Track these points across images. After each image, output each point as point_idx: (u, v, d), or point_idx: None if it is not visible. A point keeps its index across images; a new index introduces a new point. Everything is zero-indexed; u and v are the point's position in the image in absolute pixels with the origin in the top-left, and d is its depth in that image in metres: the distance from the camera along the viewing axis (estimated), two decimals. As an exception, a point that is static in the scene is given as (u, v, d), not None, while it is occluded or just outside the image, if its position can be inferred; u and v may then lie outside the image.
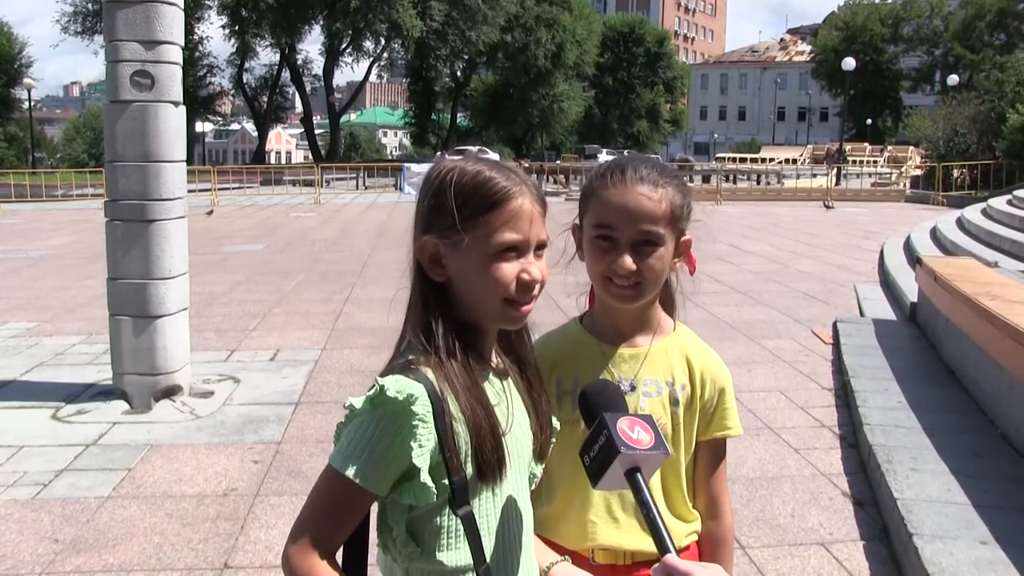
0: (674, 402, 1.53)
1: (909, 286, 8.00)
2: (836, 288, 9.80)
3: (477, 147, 42.66)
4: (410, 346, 1.25)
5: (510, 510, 1.29)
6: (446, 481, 1.19)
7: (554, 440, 1.39)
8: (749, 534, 3.63)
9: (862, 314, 8.10)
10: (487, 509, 1.25)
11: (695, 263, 1.57)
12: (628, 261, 1.42)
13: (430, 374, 1.20)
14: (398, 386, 1.17)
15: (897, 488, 3.67)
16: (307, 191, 28.44)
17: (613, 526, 1.51)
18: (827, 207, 24.05)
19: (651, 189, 1.44)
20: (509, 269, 1.23)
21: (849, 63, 39.21)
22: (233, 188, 29.00)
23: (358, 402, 1.18)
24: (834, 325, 7.31)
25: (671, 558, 1.06)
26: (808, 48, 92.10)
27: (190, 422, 5.10)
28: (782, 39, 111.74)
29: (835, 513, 3.86)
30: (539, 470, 1.38)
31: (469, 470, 1.21)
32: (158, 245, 5.31)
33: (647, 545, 1.47)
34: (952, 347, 5.74)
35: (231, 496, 4.04)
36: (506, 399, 1.29)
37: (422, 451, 1.16)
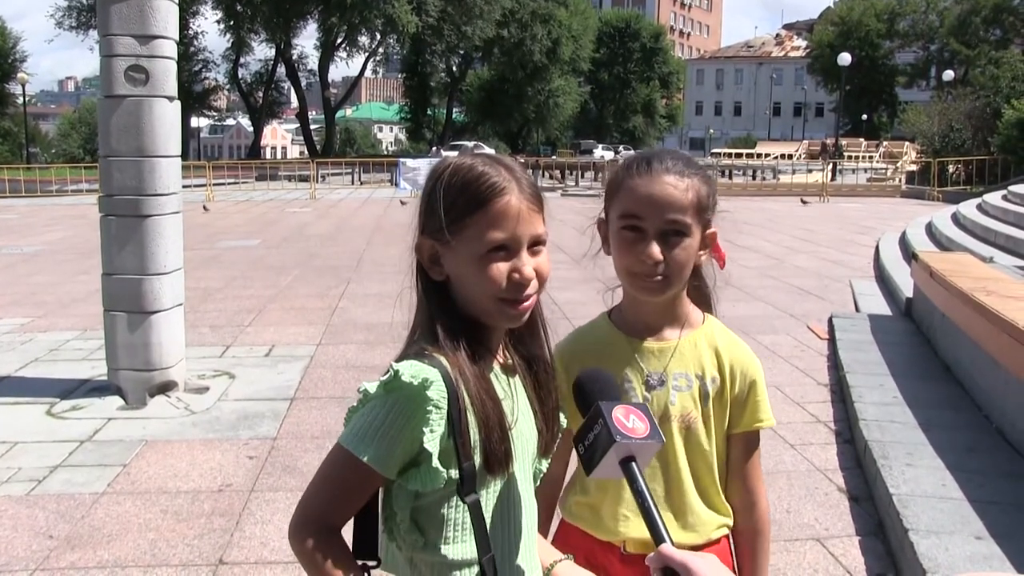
0: (704, 395, 1.53)
1: (904, 281, 8.01)
2: (832, 283, 9.81)
3: (473, 142, 42.63)
4: (421, 336, 1.26)
5: (514, 504, 1.29)
6: (454, 469, 1.19)
7: (560, 436, 1.39)
8: (745, 529, 3.63)
9: (858, 309, 8.11)
10: (492, 502, 1.25)
11: (724, 256, 1.57)
12: (656, 250, 1.42)
13: (444, 361, 1.20)
14: (413, 371, 1.17)
15: (893, 483, 3.68)
16: (302, 186, 28.41)
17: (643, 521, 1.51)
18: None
19: (677, 179, 1.45)
20: (500, 269, 1.22)
21: (845, 58, 39.24)
22: (228, 183, 28.97)
23: (372, 387, 1.19)
24: (830, 320, 7.32)
25: (666, 547, 1.05)
26: (804, 43, 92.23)
27: (185, 418, 5.08)
28: (778, 34, 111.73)
29: (831, 508, 3.87)
30: (544, 466, 1.38)
31: (477, 459, 1.21)
32: (153, 240, 5.29)
33: (677, 537, 1.48)
34: (947, 342, 5.75)
35: (226, 492, 4.03)
36: (511, 395, 1.29)
37: (433, 436, 1.17)
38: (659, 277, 1.44)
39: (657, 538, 1.08)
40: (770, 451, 4.55)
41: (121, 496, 3.96)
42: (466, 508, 1.22)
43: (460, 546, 1.23)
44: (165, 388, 5.41)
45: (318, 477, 1.23)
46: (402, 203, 21.40)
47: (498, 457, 1.22)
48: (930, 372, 5.61)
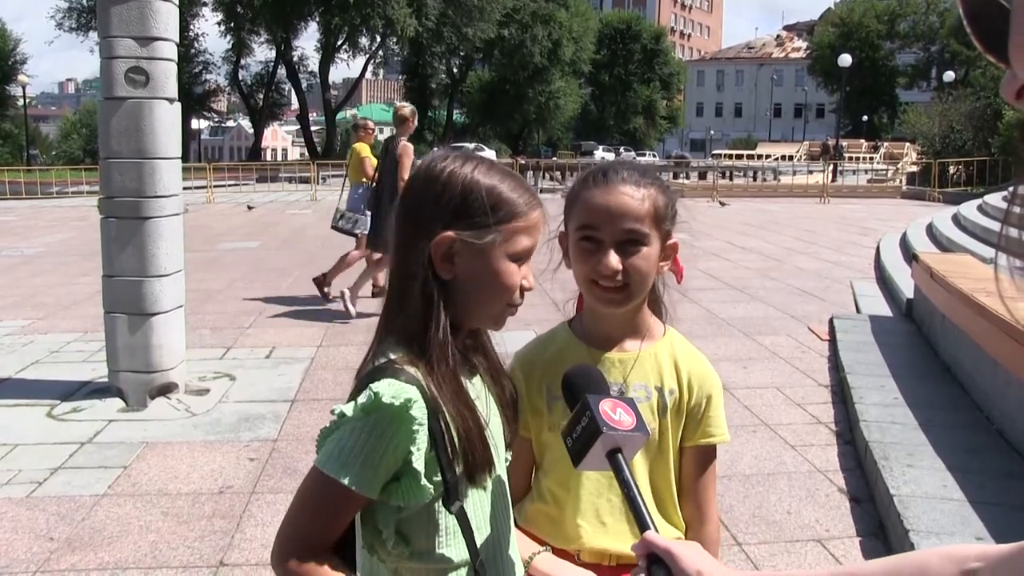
0: (663, 407, 1.53)
1: (905, 282, 8.00)
2: (832, 284, 9.80)
3: (473, 144, 42.63)
4: (392, 345, 1.23)
5: (494, 502, 1.30)
6: (438, 479, 1.19)
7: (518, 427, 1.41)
8: (746, 531, 3.63)
9: (858, 311, 8.11)
10: (474, 504, 1.25)
11: (683, 270, 1.57)
12: (614, 260, 1.42)
13: (418, 374, 1.19)
14: (393, 391, 1.15)
15: (893, 484, 3.68)
16: (303, 188, 28.42)
17: (601, 531, 1.52)
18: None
19: (634, 189, 1.45)
20: (517, 276, 1.25)
21: (845, 60, 39.25)
22: (229, 185, 28.98)
23: (348, 409, 1.16)
24: (830, 322, 7.32)
25: (651, 534, 1.07)
26: (804, 44, 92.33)
27: (185, 420, 5.08)
28: (778, 35, 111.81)
29: (831, 509, 3.86)
30: (509, 455, 1.38)
31: (459, 468, 1.21)
32: (153, 242, 5.30)
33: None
34: (948, 343, 5.75)
35: (227, 494, 4.03)
36: (484, 394, 1.31)
37: (419, 454, 1.16)
38: (619, 286, 1.44)
39: (642, 525, 1.09)
40: (770, 452, 4.55)
41: (122, 498, 3.96)
42: (451, 515, 1.22)
43: (448, 551, 1.22)
44: (166, 390, 5.41)
45: (298, 502, 1.21)
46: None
47: (481, 468, 1.22)
48: (931, 373, 5.61)
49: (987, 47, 0.62)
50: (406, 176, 7.38)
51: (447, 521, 1.22)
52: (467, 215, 1.22)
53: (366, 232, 8.38)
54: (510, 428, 1.36)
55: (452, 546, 1.22)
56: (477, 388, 1.30)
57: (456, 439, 1.20)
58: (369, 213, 8.29)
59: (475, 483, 1.23)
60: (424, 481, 1.17)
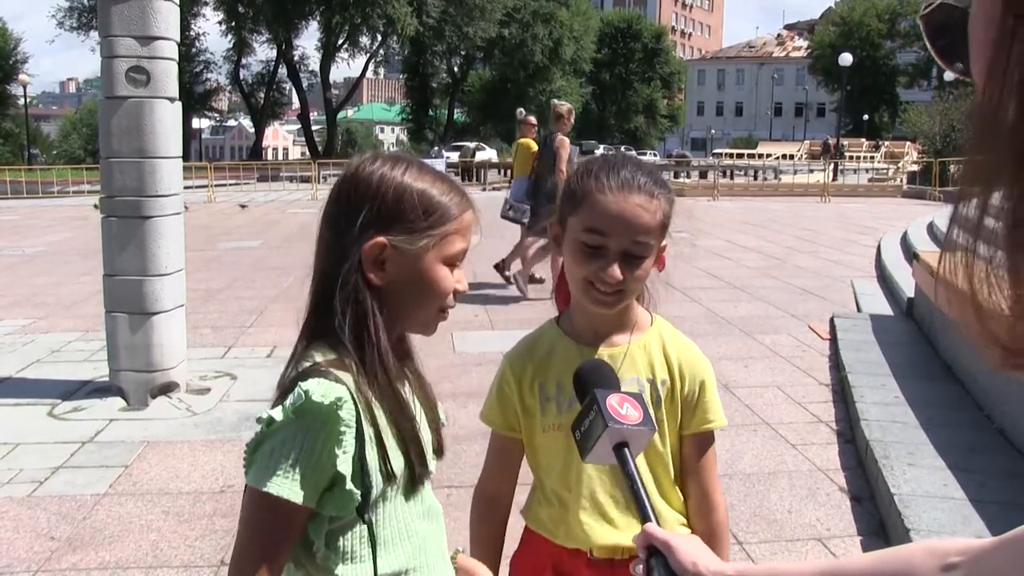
0: (656, 398, 1.52)
1: (906, 281, 8.00)
2: (833, 283, 9.80)
3: (475, 143, 42.63)
4: (315, 349, 1.20)
5: (421, 510, 1.28)
6: (361, 488, 1.17)
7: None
8: (746, 529, 3.63)
9: (859, 309, 8.11)
10: (402, 511, 1.23)
11: (664, 260, 1.57)
12: (617, 271, 1.42)
13: (347, 377, 1.16)
14: (323, 390, 1.12)
15: (894, 483, 3.68)
16: (304, 187, 28.42)
17: (609, 527, 1.52)
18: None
19: (648, 200, 1.43)
20: (450, 279, 1.24)
21: (846, 59, 39.25)
22: (230, 184, 28.98)
23: (278, 413, 1.11)
24: (831, 320, 7.31)
25: (651, 526, 1.08)
26: (805, 44, 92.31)
27: (187, 419, 5.09)
28: (779, 35, 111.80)
29: (832, 508, 3.86)
30: (433, 467, 1.35)
31: (378, 479, 1.18)
32: (154, 241, 5.30)
33: None
34: (949, 342, 5.75)
35: (228, 493, 4.03)
36: (413, 400, 1.29)
37: (346, 457, 1.13)
38: (616, 291, 1.45)
39: (644, 518, 1.10)
40: (771, 451, 4.55)
41: (123, 497, 3.97)
42: (365, 524, 1.20)
43: (371, 563, 1.20)
44: (167, 389, 5.41)
45: (244, 530, 1.17)
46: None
47: (417, 472, 1.22)
48: (931, 372, 5.61)
49: (948, 59, 0.63)
50: (563, 168, 8.07)
51: (368, 530, 1.20)
52: (399, 220, 1.19)
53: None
54: (437, 435, 1.34)
55: (372, 559, 1.20)
56: (406, 394, 1.28)
57: (387, 447, 1.18)
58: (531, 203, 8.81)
59: (412, 489, 1.22)
60: (349, 486, 1.14)
